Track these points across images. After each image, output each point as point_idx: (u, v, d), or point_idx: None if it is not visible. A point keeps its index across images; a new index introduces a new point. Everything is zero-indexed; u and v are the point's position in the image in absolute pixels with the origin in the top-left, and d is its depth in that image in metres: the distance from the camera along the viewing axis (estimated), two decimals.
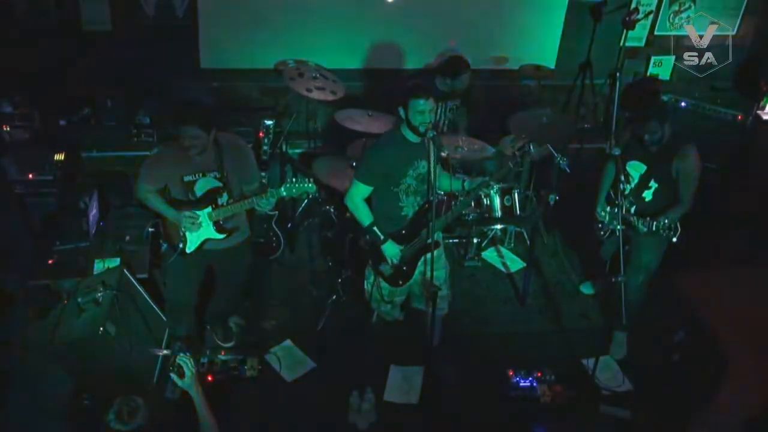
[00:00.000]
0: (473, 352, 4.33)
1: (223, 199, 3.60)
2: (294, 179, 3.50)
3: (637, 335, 4.38)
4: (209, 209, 3.58)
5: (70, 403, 3.66)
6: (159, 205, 3.60)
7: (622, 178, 4.02)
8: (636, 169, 4.03)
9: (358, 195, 3.57)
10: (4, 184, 4.20)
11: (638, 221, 3.85)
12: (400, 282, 3.75)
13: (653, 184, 3.99)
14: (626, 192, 4.04)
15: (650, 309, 4.44)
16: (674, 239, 3.76)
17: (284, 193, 3.50)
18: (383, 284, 3.78)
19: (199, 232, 3.63)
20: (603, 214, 4.13)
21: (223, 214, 3.60)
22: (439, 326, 4.05)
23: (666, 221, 3.74)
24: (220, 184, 3.58)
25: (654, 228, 3.77)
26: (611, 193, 4.15)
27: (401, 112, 3.42)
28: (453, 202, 4.54)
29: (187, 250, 3.66)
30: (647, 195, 4.02)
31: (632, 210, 4.01)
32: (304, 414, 3.83)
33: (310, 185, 3.49)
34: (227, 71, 5.64)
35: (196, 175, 3.53)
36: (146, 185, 3.58)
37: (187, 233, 3.62)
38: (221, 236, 3.67)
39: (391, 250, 3.62)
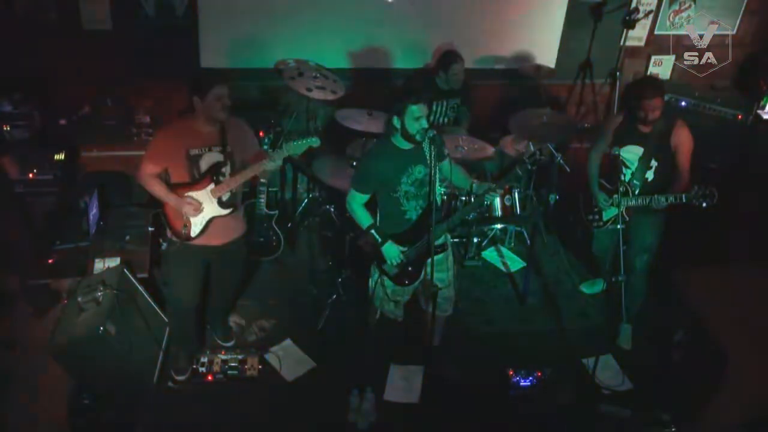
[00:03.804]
0: (473, 351, 4.33)
1: (226, 173, 3.60)
2: (296, 138, 3.49)
3: (637, 334, 4.39)
4: (212, 186, 3.57)
5: (70, 403, 3.66)
6: (160, 191, 3.58)
7: (623, 172, 4.06)
8: (633, 152, 4.06)
9: (355, 201, 3.59)
10: (4, 183, 4.19)
11: (659, 198, 3.87)
12: (406, 282, 3.75)
13: (654, 163, 4.03)
14: (627, 179, 4.06)
15: (650, 308, 4.45)
16: (704, 204, 3.73)
17: (287, 153, 3.50)
18: (387, 282, 3.78)
19: (203, 212, 3.61)
20: (605, 203, 4.15)
21: (227, 188, 3.59)
22: (440, 326, 4.05)
23: (697, 189, 3.74)
24: (223, 158, 3.57)
25: (685, 200, 3.77)
26: (603, 182, 4.19)
27: (396, 122, 3.42)
28: (453, 203, 4.57)
29: (193, 234, 3.64)
30: (649, 175, 4.06)
31: (636, 192, 4.04)
32: (304, 414, 3.83)
33: (313, 139, 3.49)
34: (227, 71, 5.63)
35: (202, 149, 3.53)
36: (151, 165, 3.55)
37: (191, 216, 3.62)
38: (227, 211, 3.64)
39: (391, 251, 3.61)
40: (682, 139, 3.94)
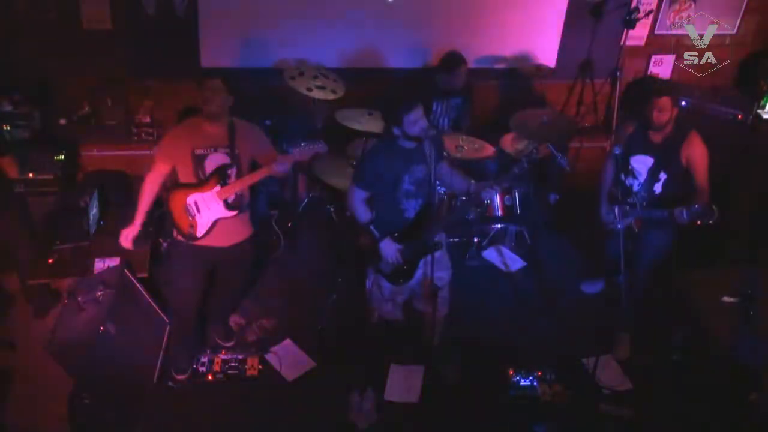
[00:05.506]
0: (473, 351, 4.33)
1: (233, 175, 3.59)
2: (304, 142, 3.50)
3: (637, 335, 4.39)
4: (217, 188, 3.57)
5: (70, 403, 3.66)
6: (141, 205, 3.63)
7: (623, 175, 4.03)
8: (643, 162, 4.00)
9: (356, 197, 3.61)
10: (4, 183, 4.19)
11: (660, 213, 3.75)
12: (401, 280, 3.75)
13: (663, 176, 3.96)
14: (635, 189, 4.02)
15: (650, 309, 4.44)
16: (710, 221, 3.53)
17: (295, 157, 3.49)
18: (383, 283, 3.78)
19: (209, 213, 3.61)
20: (611, 216, 4.08)
21: (233, 190, 3.59)
22: (440, 326, 4.05)
23: (697, 207, 3.55)
24: (229, 160, 3.57)
25: (686, 216, 3.58)
26: (614, 192, 4.15)
27: (397, 132, 3.44)
28: (453, 202, 4.57)
29: (198, 234, 3.64)
30: (657, 188, 3.99)
31: (644, 204, 3.95)
32: (304, 414, 3.83)
33: (320, 144, 3.49)
34: (227, 70, 5.63)
35: (208, 150, 3.54)
36: (160, 163, 3.58)
37: (197, 216, 3.61)
38: (232, 213, 3.64)
39: (388, 248, 3.62)
40: (695, 153, 3.79)
